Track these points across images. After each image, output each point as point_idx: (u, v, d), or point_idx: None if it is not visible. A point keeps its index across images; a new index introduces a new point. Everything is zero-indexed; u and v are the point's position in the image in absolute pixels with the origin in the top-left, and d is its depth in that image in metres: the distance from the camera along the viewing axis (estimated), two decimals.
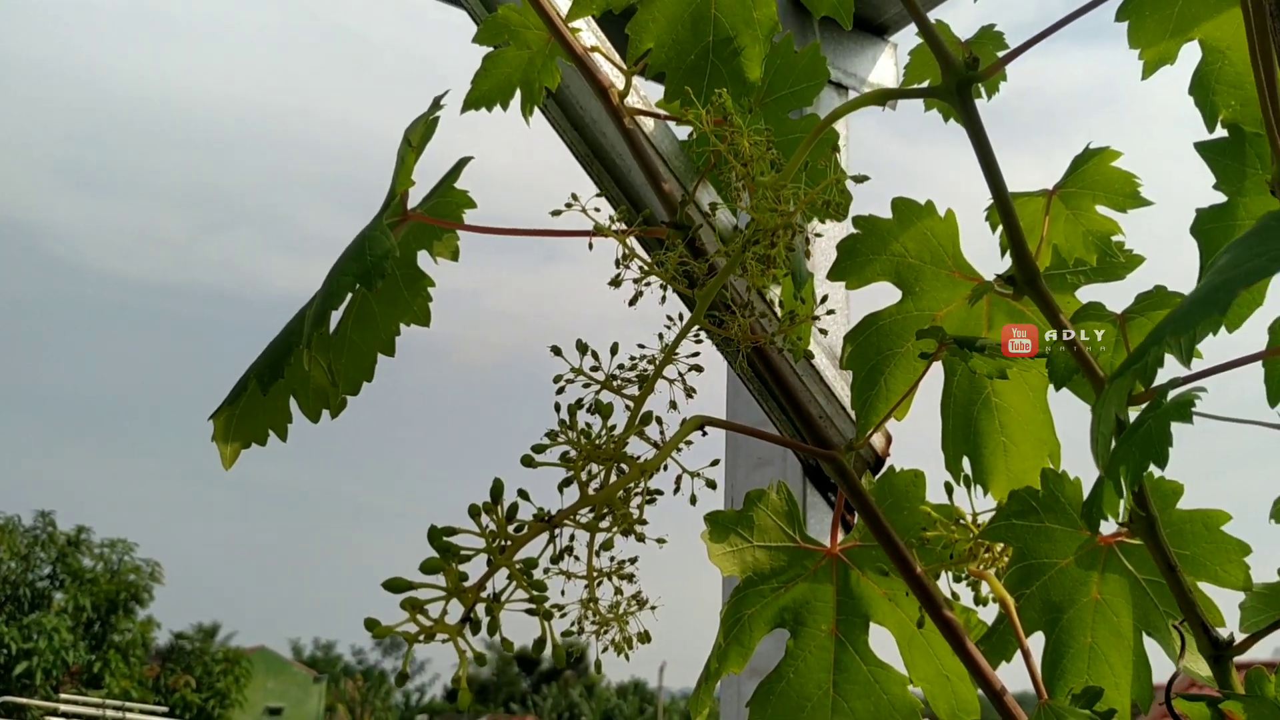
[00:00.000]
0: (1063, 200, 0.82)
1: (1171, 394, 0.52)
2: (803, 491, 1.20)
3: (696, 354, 0.75)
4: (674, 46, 0.88)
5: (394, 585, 0.57)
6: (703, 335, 0.75)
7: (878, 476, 0.98)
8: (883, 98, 0.72)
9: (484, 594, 0.59)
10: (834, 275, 0.90)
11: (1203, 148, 0.76)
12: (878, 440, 1.19)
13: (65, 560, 12.00)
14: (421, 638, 0.56)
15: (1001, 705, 0.75)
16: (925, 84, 0.73)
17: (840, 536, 0.96)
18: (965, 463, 0.94)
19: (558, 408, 0.66)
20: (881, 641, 0.99)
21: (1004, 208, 0.69)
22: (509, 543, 0.60)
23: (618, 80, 0.91)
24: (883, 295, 0.97)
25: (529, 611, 0.60)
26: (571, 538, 0.69)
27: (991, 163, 0.70)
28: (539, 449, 0.64)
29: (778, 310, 1.08)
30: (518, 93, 0.96)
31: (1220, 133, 0.77)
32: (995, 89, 0.84)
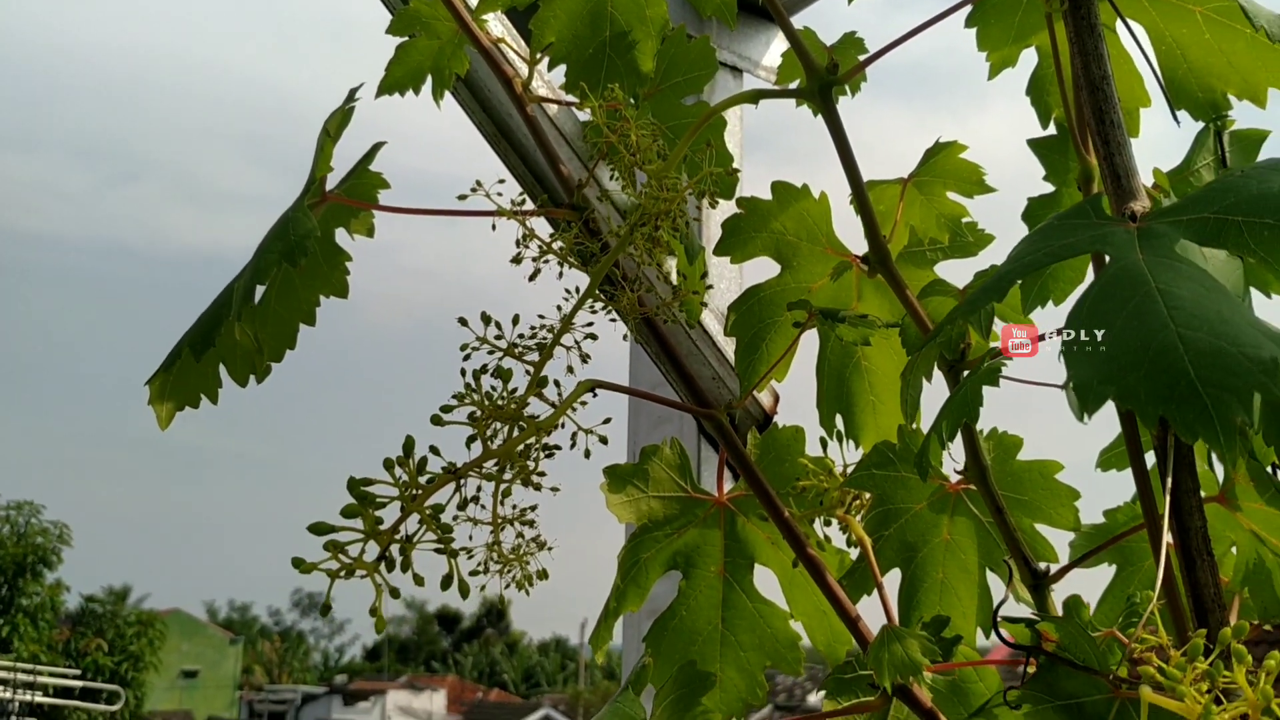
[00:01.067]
0: (916, 187, 0.92)
1: (987, 364, 0.62)
2: (697, 447, 1.30)
3: (591, 324, 0.83)
4: (573, 40, 0.95)
5: (318, 528, 0.65)
6: (602, 305, 0.84)
7: (763, 433, 1.08)
8: (754, 98, 0.81)
9: (397, 536, 0.67)
10: (719, 251, 0.99)
11: (1033, 143, 0.86)
12: (766, 400, 1.30)
13: None
14: (342, 574, 0.65)
15: (856, 630, 0.85)
16: (795, 84, 0.81)
17: (728, 486, 1.06)
18: (838, 420, 1.04)
19: (463, 373, 0.74)
20: (766, 581, 1.09)
21: (859, 196, 0.79)
22: (419, 491, 0.68)
23: (523, 70, 0.99)
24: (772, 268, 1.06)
25: (437, 551, 0.68)
26: (479, 489, 0.78)
27: (849, 157, 0.79)
28: (446, 409, 0.73)
29: (673, 281, 1.17)
30: (429, 78, 1.03)
31: (1052, 130, 0.87)
32: (857, 88, 0.93)
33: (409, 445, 0.69)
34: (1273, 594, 0.77)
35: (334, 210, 0.94)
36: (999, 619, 0.79)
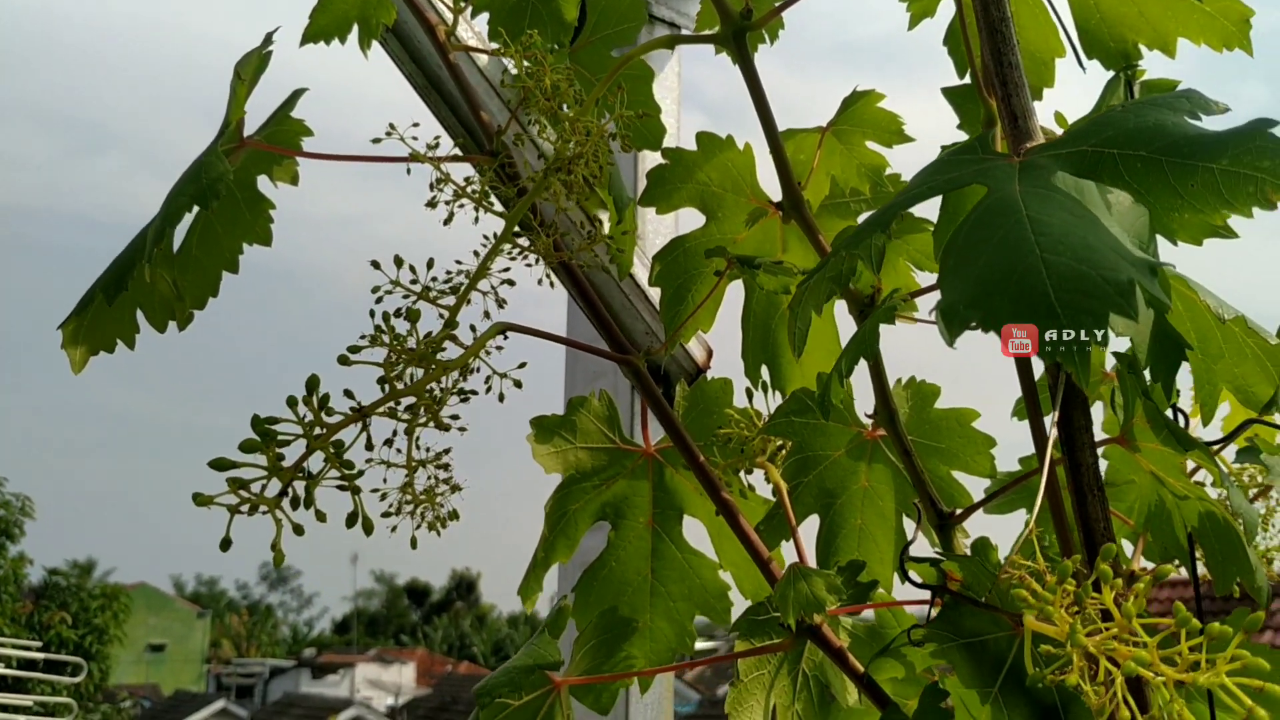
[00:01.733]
0: (835, 136, 0.92)
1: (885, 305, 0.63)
2: (631, 401, 1.31)
3: (507, 269, 0.83)
4: None
5: (218, 464, 0.65)
6: (518, 250, 0.84)
7: (692, 385, 1.09)
8: (670, 43, 0.82)
9: (300, 473, 0.67)
10: (644, 201, 1.00)
11: (947, 92, 0.87)
12: (699, 355, 1.30)
13: None
14: (242, 509, 0.65)
15: (768, 573, 0.86)
16: (714, 30, 0.81)
17: (658, 438, 1.07)
18: (764, 371, 1.05)
19: (372, 314, 0.74)
20: (696, 532, 1.10)
21: (772, 141, 0.79)
22: (324, 430, 0.69)
23: (448, 17, 0.98)
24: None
25: (340, 487, 0.69)
26: (395, 432, 0.78)
27: (763, 103, 0.80)
28: (354, 349, 0.73)
29: (604, 229, 1.17)
30: (355, 27, 1.02)
31: (967, 80, 0.88)
32: (775, 35, 0.93)
33: (312, 383, 0.69)
34: (1173, 535, 0.78)
35: (255, 157, 0.94)
36: (906, 559, 0.80)
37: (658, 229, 1.36)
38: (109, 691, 15.51)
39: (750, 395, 1.04)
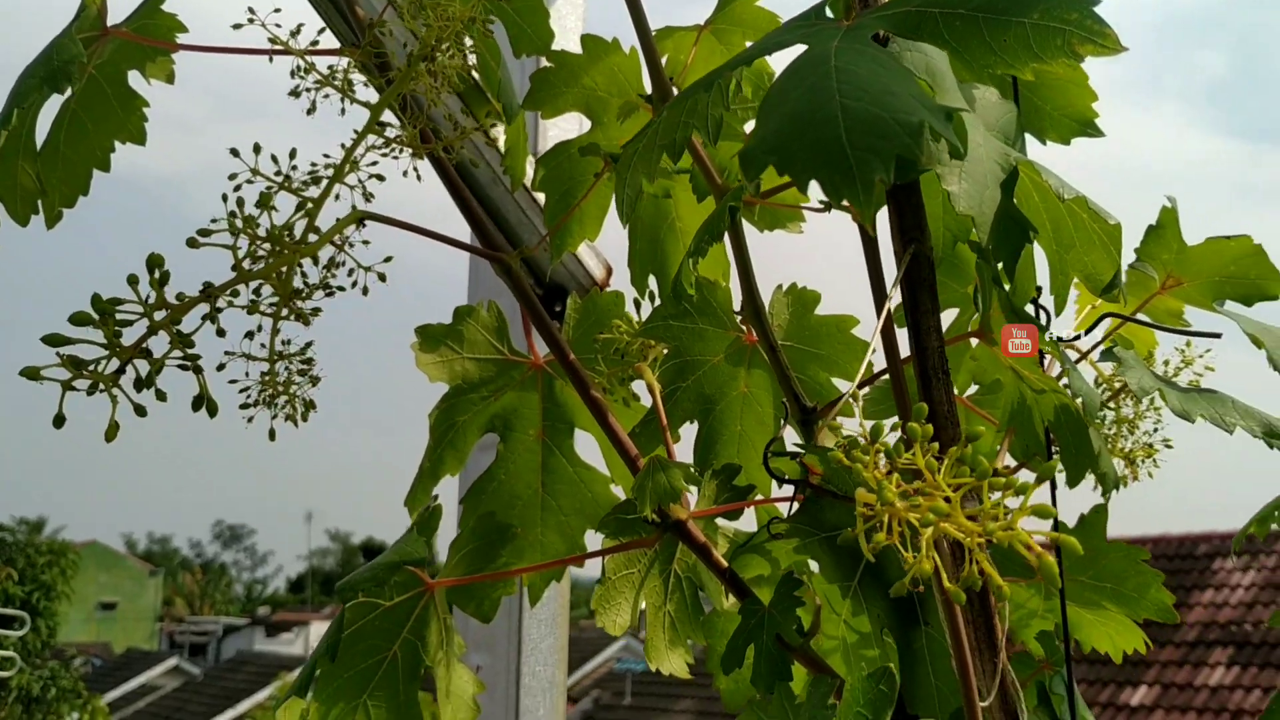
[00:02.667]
0: (714, 35, 0.91)
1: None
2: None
3: (375, 163, 0.82)
4: None
5: (51, 339, 0.64)
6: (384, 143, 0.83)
7: (585, 298, 1.08)
8: None
9: (141, 351, 0.66)
10: (527, 104, 0.98)
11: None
12: (598, 271, 1.30)
13: None
14: (76, 384, 0.64)
15: (635, 468, 0.86)
16: None
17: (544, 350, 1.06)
18: (652, 281, 1.04)
19: (224, 198, 0.73)
20: (588, 447, 1.10)
21: (641, 35, 0.78)
22: (167, 310, 0.67)
23: None
24: None
25: (181, 367, 0.67)
26: (259, 326, 0.77)
27: (639, 11, 0.78)
28: (204, 232, 0.71)
29: (500, 142, 1.16)
30: None
31: None
32: None
33: (152, 261, 0.67)
34: (1033, 432, 0.79)
35: (125, 50, 0.91)
36: (769, 456, 0.80)
37: (557, 135, 1.35)
38: (58, 649, 15.40)
39: (638, 305, 1.04)
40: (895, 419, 0.74)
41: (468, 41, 0.89)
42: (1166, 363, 0.91)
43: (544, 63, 1.00)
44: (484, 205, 1.23)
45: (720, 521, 0.95)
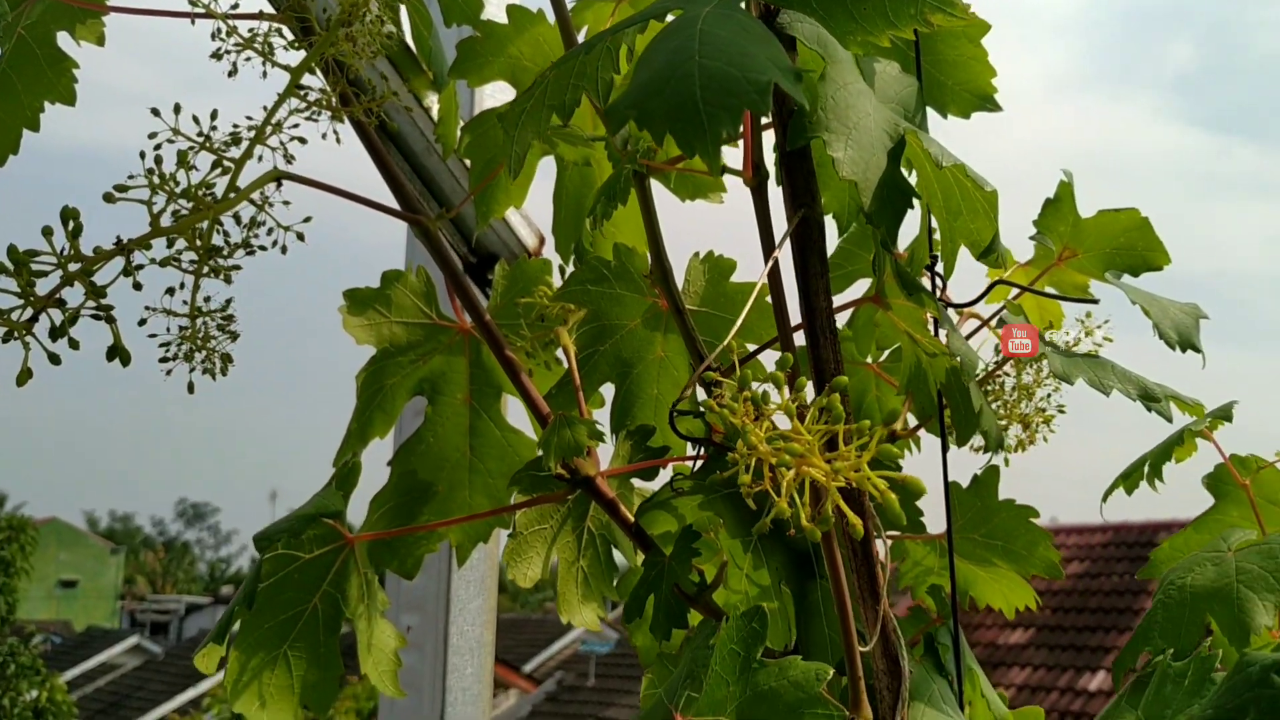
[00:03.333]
0: (631, 5, 0.94)
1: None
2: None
3: (297, 125, 0.84)
4: None
5: None
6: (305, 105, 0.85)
7: (513, 265, 1.10)
8: None
9: (54, 301, 0.68)
10: (454, 73, 1.00)
11: None
12: (530, 240, 1.32)
13: None
14: None
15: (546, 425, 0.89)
16: None
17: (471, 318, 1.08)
18: (573, 247, 1.07)
19: (143, 155, 0.74)
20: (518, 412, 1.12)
21: (558, 11, 0.80)
22: (81, 261, 0.69)
23: None
24: None
25: (94, 317, 0.69)
26: (182, 285, 0.79)
27: None
28: (121, 188, 0.73)
29: (431, 109, 1.18)
30: None
31: None
32: None
33: (66, 213, 0.69)
34: (928, 393, 0.82)
35: (54, 11, 0.93)
36: (675, 414, 0.83)
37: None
38: (17, 625, 15.28)
39: (562, 272, 1.06)
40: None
41: (402, 11, 0.91)
42: (1068, 333, 0.95)
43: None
44: (419, 174, 1.25)
45: (637, 483, 0.98)
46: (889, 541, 0.90)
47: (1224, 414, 0.83)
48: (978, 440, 0.92)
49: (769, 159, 0.73)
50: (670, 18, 0.55)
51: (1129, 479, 0.88)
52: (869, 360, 0.98)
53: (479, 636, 1.30)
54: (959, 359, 0.70)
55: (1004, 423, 0.90)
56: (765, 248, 0.71)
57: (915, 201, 0.67)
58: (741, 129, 0.49)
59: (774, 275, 0.71)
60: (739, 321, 0.94)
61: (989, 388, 0.92)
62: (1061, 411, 0.90)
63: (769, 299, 0.99)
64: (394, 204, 0.91)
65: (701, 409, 0.81)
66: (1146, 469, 0.87)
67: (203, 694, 17.54)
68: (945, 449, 0.81)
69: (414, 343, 1.08)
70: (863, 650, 0.69)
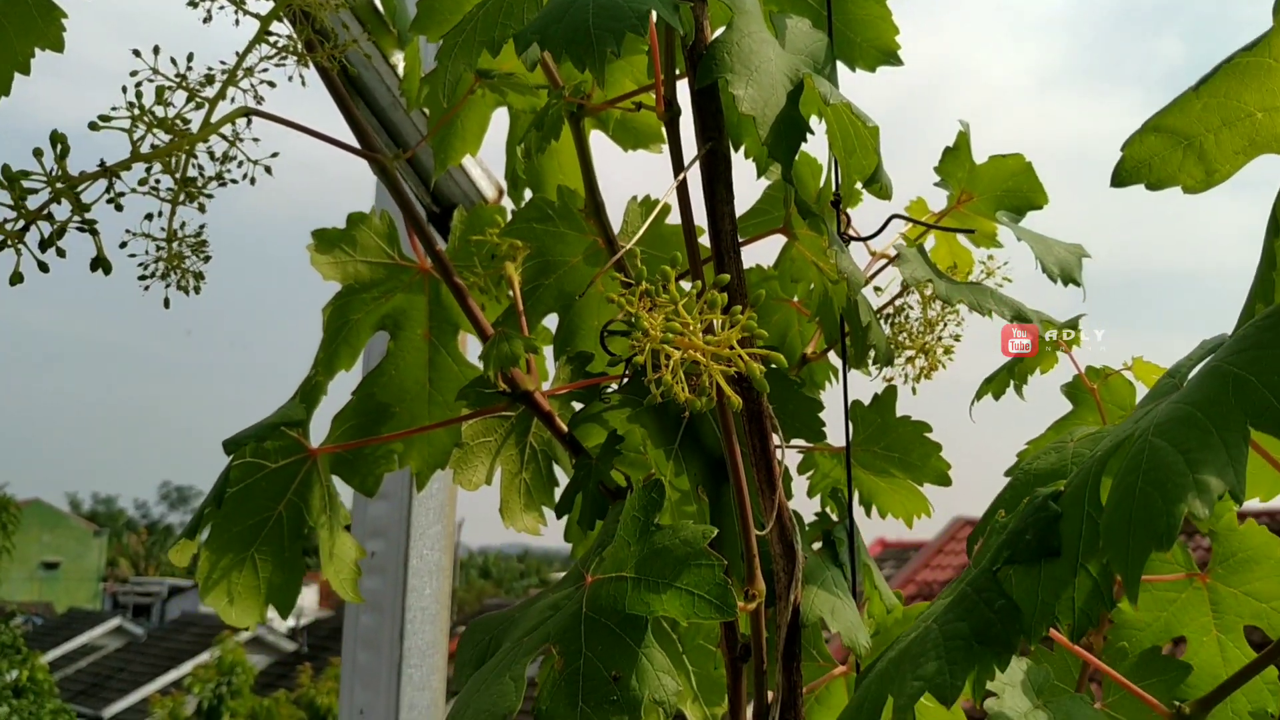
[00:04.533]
0: None
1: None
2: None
3: (266, 70, 0.92)
4: None
5: None
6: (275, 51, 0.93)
7: (471, 210, 1.19)
8: None
9: (44, 215, 0.76)
10: (414, 28, 1.09)
11: None
12: (490, 191, 1.40)
13: None
14: None
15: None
16: None
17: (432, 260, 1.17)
18: (528, 194, 1.16)
19: (124, 90, 0.83)
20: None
21: None
22: (67, 181, 0.78)
23: None
24: None
25: (79, 229, 0.78)
26: (160, 212, 0.88)
27: None
28: (105, 118, 0.81)
29: (397, 66, 1.26)
30: None
31: None
32: None
33: (56, 137, 0.77)
34: (833, 318, 0.91)
35: None
36: (605, 334, 0.92)
37: None
38: None
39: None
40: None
41: None
42: (972, 272, 1.04)
43: None
44: (386, 128, 1.33)
45: (576, 405, 1.06)
46: (801, 454, 0.99)
47: (1072, 325, 0.93)
48: (889, 372, 1.02)
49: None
50: None
51: (993, 383, 0.98)
52: (794, 299, 1.07)
53: (437, 561, 1.38)
54: (848, 276, 0.79)
55: (910, 352, 0.99)
56: (675, 172, 0.79)
57: (810, 137, 0.76)
58: (648, 55, 0.58)
59: (684, 205, 0.80)
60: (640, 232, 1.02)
61: (895, 320, 1.01)
62: (957, 340, 1.00)
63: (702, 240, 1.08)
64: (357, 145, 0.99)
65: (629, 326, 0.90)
66: (1013, 377, 0.96)
67: (184, 676, 17.59)
68: (846, 368, 0.90)
69: (377, 280, 1.16)
70: (761, 535, 0.79)
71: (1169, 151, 0.58)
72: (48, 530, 32.05)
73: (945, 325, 0.99)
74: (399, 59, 1.29)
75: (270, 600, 1.02)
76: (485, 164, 1.40)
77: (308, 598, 31.56)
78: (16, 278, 0.75)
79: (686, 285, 0.66)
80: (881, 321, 1.00)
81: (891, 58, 0.94)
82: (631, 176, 1.12)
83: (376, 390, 1.17)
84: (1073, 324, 0.93)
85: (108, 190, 0.81)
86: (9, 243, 0.75)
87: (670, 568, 0.65)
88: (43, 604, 29.73)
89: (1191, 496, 0.44)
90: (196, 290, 0.89)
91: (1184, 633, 0.83)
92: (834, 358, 1.05)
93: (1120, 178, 0.59)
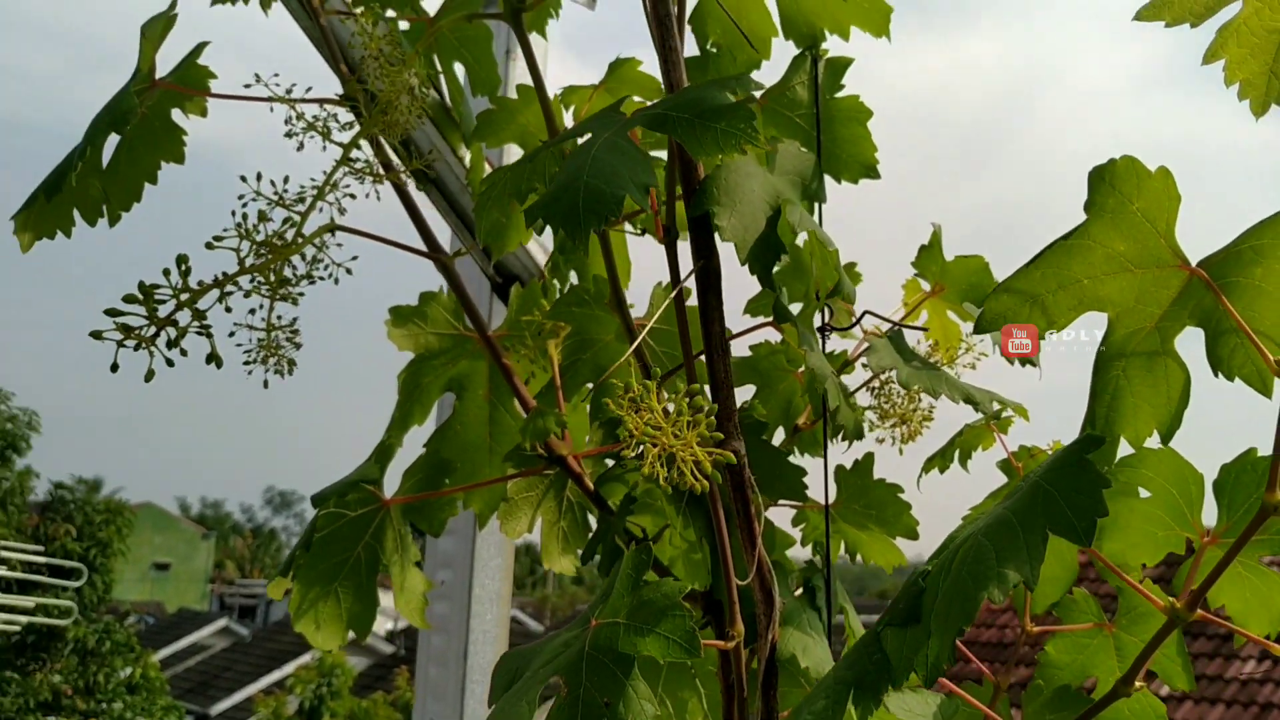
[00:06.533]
0: (607, 91, 1.20)
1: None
2: (489, 300, 1.60)
3: (349, 184, 1.12)
4: None
5: (111, 311, 0.94)
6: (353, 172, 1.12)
7: (525, 287, 1.37)
8: (469, 17, 1.09)
9: (171, 321, 0.96)
10: (475, 138, 1.28)
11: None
12: (545, 263, 1.58)
13: None
14: (125, 342, 0.94)
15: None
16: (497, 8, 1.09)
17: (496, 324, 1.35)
18: (573, 275, 1.33)
19: (233, 213, 1.02)
20: None
21: (539, 93, 1.07)
22: (189, 293, 0.97)
23: None
24: None
25: (197, 333, 0.97)
26: (261, 305, 1.08)
27: (534, 66, 1.07)
28: (217, 238, 1.01)
29: (464, 158, 1.45)
30: None
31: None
32: (545, 19, 1.20)
33: (180, 259, 0.97)
34: (818, 397, 1.06)
35: (168, 94, 1.21)
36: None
37: None
38: (113, 605, 15.94)
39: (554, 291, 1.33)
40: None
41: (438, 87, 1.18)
42: (952, 351, 1.19)
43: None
44: (455, 210, 1.53)
45: (610, 463, 1.24)
46: (794, 510, 1.15)
47: (1000, 416, 1.07)
48: (881, 434, 1.17)
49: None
50: (584, 138, 0.81)
51: (939, 458, 1.12)
52: (798, 371, 1.23)
53: (497, 589, 1.57)
54: (814, 369, 0.95)
55: (891, 421, 1.14)
56: (673, 283, 0.96)
57: (783, 255, 0.92)
58: (649, 204, 0.74)
59: (680, 308, 0.97)
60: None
61: (881, 391, 1.16)
62: (930, 413, 1.14)
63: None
64: (422, 246, 1.18)
65: None
66: (957, 453, 1.11)
67: (286, 676, 18.18)
68: (826, 438, 1.06)
69: (445, 349, 1.35)
70: (743, 584, 0.95)
71: (1020, 306, 0.73)
72: (159, 532, 33.35)
73: (922, 399, 1.14)
74: (465, 152, 1.48)
75: (350, 626, 1.21)
76: (542, 240, 1.58)
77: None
78: (150, 375, 0.95)
79: (671, 390, 0.83)
80: (870, 392, 1.15)
81: (871, 171, 1.09)
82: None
83: (442, 447, 1.35)
84: (1000, 416, 1.08)
85: (220, 298, 1.00)
86: (144, 345, 0.95)
87: (653, 616, 0.81)
88: (154, 604, 30.90)
89: (992, 586, 0.60)
90: (290, 373, 1.09)
91: (1095, 674, 0.97)
92: None
93: (981, 327, 0.74)
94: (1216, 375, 0.69)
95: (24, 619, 10.49)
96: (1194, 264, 0.71)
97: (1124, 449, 0.76)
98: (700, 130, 0.78)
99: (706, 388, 0.94)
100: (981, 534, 0.64)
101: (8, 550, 10.33)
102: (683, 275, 0.99)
